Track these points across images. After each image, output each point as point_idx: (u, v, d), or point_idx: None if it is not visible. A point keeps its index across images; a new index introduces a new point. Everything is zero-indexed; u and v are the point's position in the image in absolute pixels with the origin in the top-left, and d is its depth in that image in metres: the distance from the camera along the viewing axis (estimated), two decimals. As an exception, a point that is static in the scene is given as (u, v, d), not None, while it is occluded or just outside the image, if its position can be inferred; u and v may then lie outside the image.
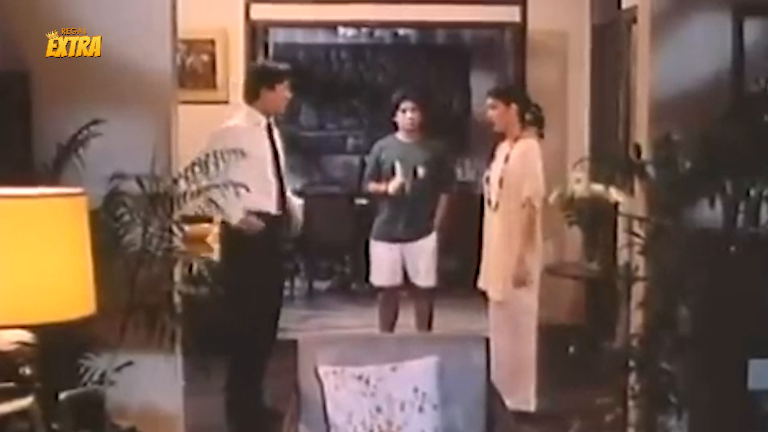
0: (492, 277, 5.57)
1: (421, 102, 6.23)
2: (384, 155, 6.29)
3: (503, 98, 5.52)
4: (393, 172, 6.15)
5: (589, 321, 6.85)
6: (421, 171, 6.16)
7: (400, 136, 6.30)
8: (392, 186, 6.13)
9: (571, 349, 5.98)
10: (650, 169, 3.93)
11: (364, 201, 9.38)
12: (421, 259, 6.24)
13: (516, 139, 5.48)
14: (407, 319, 6.52)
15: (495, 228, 5.53)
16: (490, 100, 5.58)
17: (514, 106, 5.48)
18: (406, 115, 6.16)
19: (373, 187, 6.35)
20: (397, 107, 6.20)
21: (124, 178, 3.65)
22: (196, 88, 7.02)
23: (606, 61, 6.89)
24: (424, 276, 6.26)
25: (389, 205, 6.24)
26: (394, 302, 6.43)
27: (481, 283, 5.72)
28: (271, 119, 5.39)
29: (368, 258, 6.47)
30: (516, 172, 5.39)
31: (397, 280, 6.30)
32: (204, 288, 3.97)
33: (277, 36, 9.65)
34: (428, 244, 6.24)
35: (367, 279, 6.57)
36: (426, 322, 6.38)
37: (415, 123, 6.17)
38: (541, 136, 5.99)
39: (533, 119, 5.71)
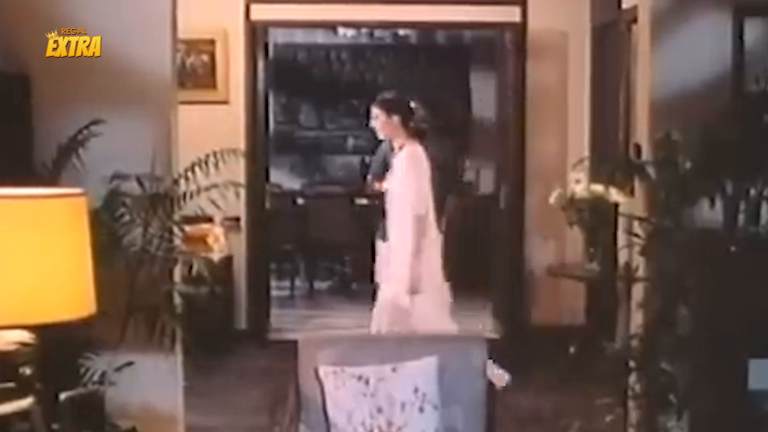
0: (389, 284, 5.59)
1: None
2: (388, 157, 6.31)
3: (385, 109, 5.59)
4: None
5: (589, 321, 6.85)
6: None
7: None
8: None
9: (571, 349, 5.98)
10: (650, 169, 3.92)
11: (364, 201, 9.39)
12: None
13: (401, 147, 5.54)
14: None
15: (391, 237, 5.56)
16: (374, 110, 5.68)
17: (395, 117, 5.52)
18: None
19: (378, 186, 6.39)
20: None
21: (124, 178, 3.65)
22: (196, 88, 7.02)
23: (606, 61, 6.89)
24: None
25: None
26: None
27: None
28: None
29: (373, 258, 6.50)
30: (396, 180, 5.47)
31: None
32: (204, 288, 3.98)
33: (277, 36, 9.65)
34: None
35: (371, 279, 6.60)
36: None
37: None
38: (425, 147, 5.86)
39: (415, 131, 5.67)
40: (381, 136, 5.64)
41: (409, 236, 5.34)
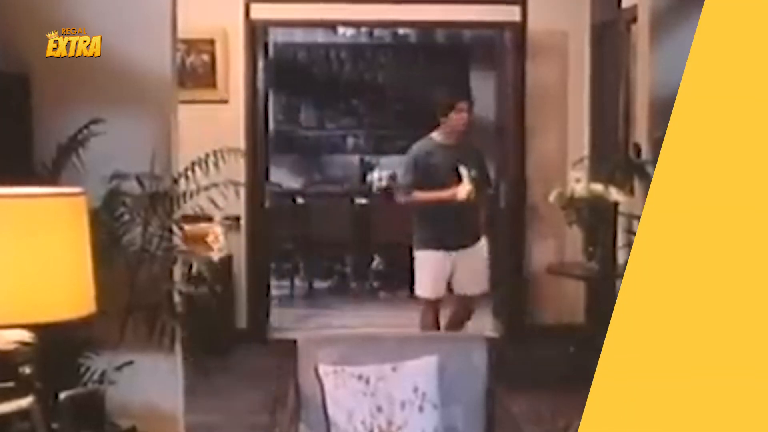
0: None
1: (471, 104, 6.06)
2: (432, 160, 5.92)
3: None
4: (459, 178, 5.78)
5: (588, 320, 6.85)
6: (474, 175, 5.86)
7: (439, 138, 6.00)
8: (461, 192, 5.75)
9: (571, 349, 5.99)
10: (650, 169, 3.93)
11: (363, 200, 9.40)
12: (475, 265, 6.03)
13: None
14: (407, 320, 6.54)
15: None
16: None
17: None
18: (461, 115, 5.91)
19: (420, 195, 5.91)
20: (451, 108, 5.93)
21: (123, 177, 3.65)
22: (196, 88, 7.02)
23: (606, 61, 6.90)
24: (476, 283, 6.09)
25: (438, 213, 5.88)
26: (435, 311, 6.11)
27: None
28: None
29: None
30: None
31: (442, 292, 6.04)
32: (204, 287, 3.98)
33: (277, 36, 9.65)
34: (482, 249, 6.06)
35: (411, 291, 6.30)
36: (460, 329, 6.21)
37: (467, 124, 5.94)
38: None
39: None
40: None
41: None
